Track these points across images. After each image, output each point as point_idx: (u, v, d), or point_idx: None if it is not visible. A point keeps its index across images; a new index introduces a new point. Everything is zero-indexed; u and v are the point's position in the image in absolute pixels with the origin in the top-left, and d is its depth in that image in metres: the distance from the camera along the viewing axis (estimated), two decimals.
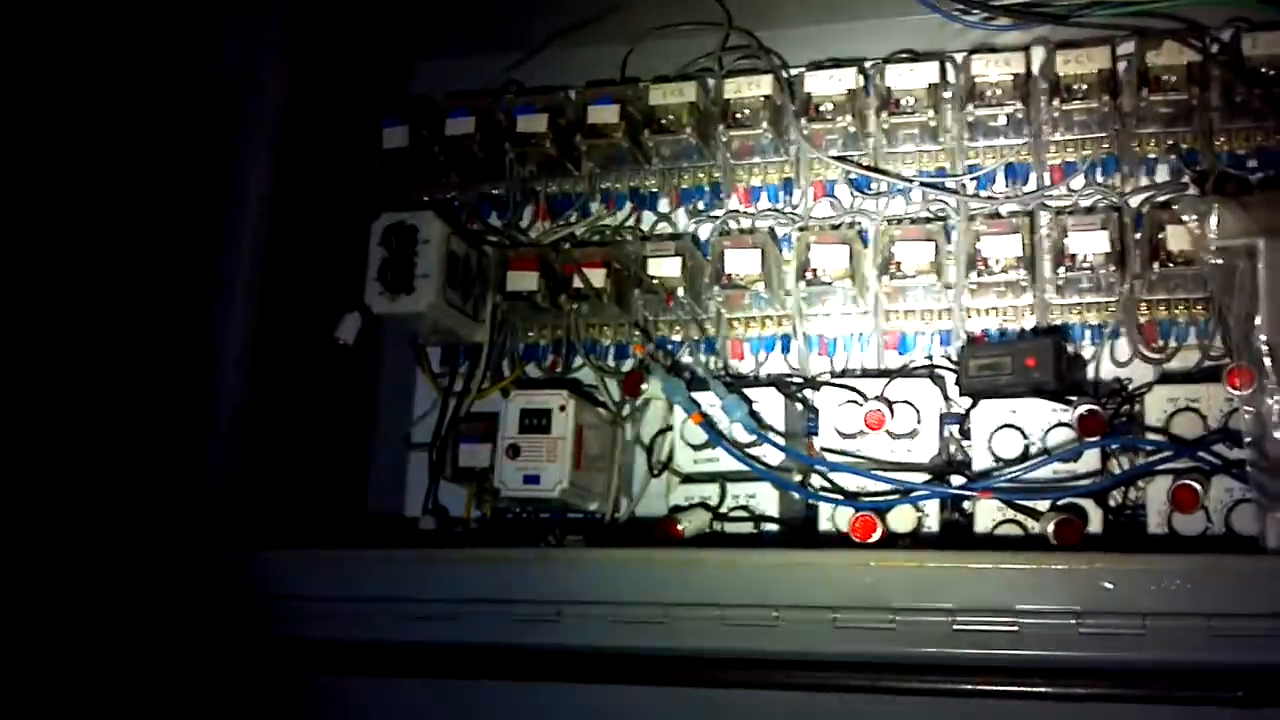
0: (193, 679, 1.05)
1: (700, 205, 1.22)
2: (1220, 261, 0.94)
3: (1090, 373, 1.11)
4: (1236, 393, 0.93)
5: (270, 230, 1.15)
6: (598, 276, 1.16)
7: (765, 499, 1.08)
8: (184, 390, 1.13)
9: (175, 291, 1.19)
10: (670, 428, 1.14)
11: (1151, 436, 1.01)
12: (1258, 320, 0.91)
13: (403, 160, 1.23)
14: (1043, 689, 0.90)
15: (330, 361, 1.17)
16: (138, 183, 1.21)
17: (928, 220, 1.14)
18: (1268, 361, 0.91)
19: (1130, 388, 1.09)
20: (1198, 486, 0.95)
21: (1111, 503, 1.03)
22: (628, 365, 1.20)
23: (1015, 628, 0.89)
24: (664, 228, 1.23)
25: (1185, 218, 0.95)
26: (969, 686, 0.91)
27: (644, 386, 1.12)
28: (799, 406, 1.13)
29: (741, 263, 1.12)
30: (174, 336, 1.17)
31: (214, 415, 1.10)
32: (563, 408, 1.12)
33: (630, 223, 1.24)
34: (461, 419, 1.20)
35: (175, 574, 1.06)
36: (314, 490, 1.20)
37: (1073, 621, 0.88)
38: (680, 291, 1.14)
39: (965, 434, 1.06)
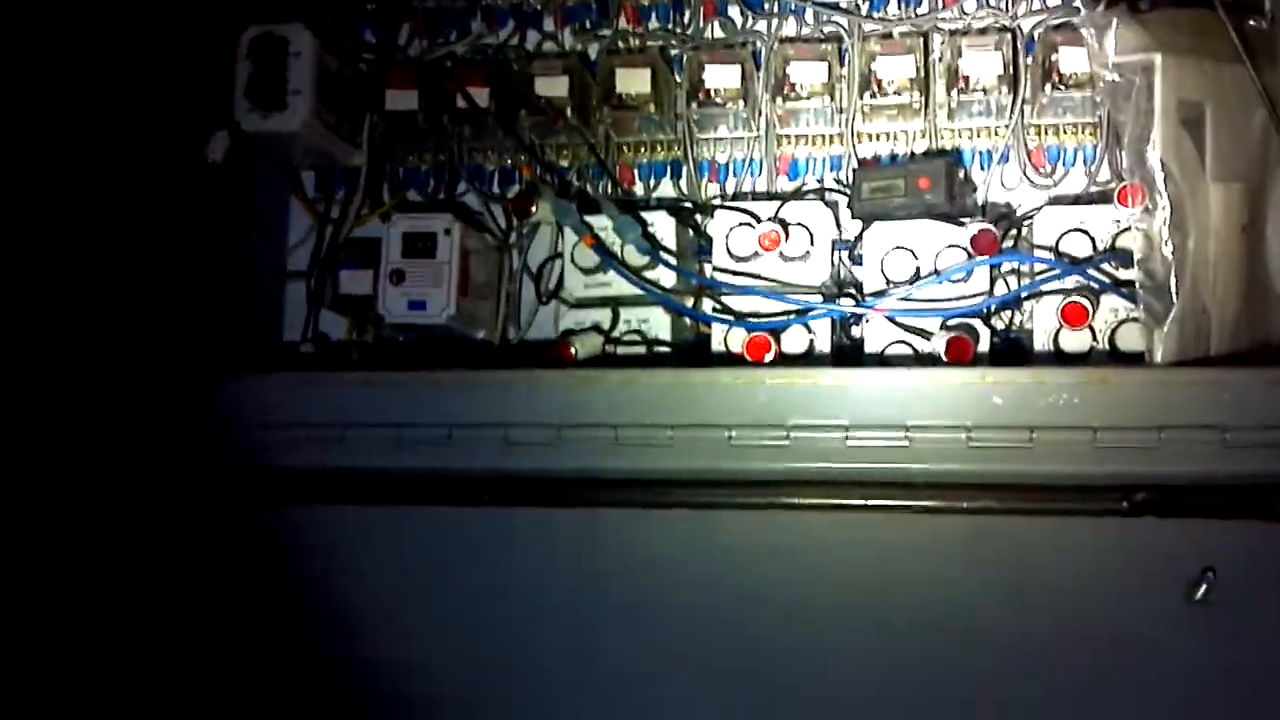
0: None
1: (587, 24, 1.17)
2: (1117, 79, 0.93)
3: (980, 198, 1.11)
4: (1127, 211, 0.94)
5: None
6: (481, 96, 1.11)
7: (658, 323, 1.06)
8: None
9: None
10: (559, 254, 1.11)
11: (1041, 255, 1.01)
12: (1151, 139, 0.92)
13: None
14: (933, 502, 0.91)
15: (203, 184, 1.10)
16: None
17: (821, 41, 1.11)
18: (1159, 180, 0.92)
19: (1020, 211, 1.09)
20: (1086, 303, 0.96)
21: (999, 324, 1.04)
22: (514, 191, 1.16)
23: (907, 442, 0.90)
24: (549, 47, 1.18)
25: (1084, 32, 0.94)
26: (862, 501, 0.92)
27: (533, 209, 1.09)
28: (690, 232, 1.11)
29: (632, 82, 1.09)
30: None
31: None
32: (448, 231, 1.08)
33: (514, 42, 1.18)
34: (340, 245, 1.15)
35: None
36: (190, 317, 1.14)
37: (963, 436, 0.89)
38: (568, 112, 1.10)
39: (857, 258, 1.06)
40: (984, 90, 1.05)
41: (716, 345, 1.05)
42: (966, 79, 1.05)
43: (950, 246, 1.01)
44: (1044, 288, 1.00)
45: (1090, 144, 1.09)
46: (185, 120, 1.11)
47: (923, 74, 1.06)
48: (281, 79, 1.07)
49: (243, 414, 0.98)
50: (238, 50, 1.08)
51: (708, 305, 1.08)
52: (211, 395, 0.99)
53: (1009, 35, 1.06)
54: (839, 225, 1.09)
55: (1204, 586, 0.88)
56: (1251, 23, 0.97)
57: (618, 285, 1.05)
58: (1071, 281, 1.00)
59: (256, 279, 1.21)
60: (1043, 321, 1.01)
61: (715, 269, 1.06)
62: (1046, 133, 1.09)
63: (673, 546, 0.96)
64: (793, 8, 1.13)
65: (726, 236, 1.05)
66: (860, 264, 1.05)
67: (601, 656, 0.97)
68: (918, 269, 1.02)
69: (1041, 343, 1.01)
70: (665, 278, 1.05)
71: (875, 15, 1.12)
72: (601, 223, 1.05)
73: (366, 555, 0.98)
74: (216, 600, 1.01)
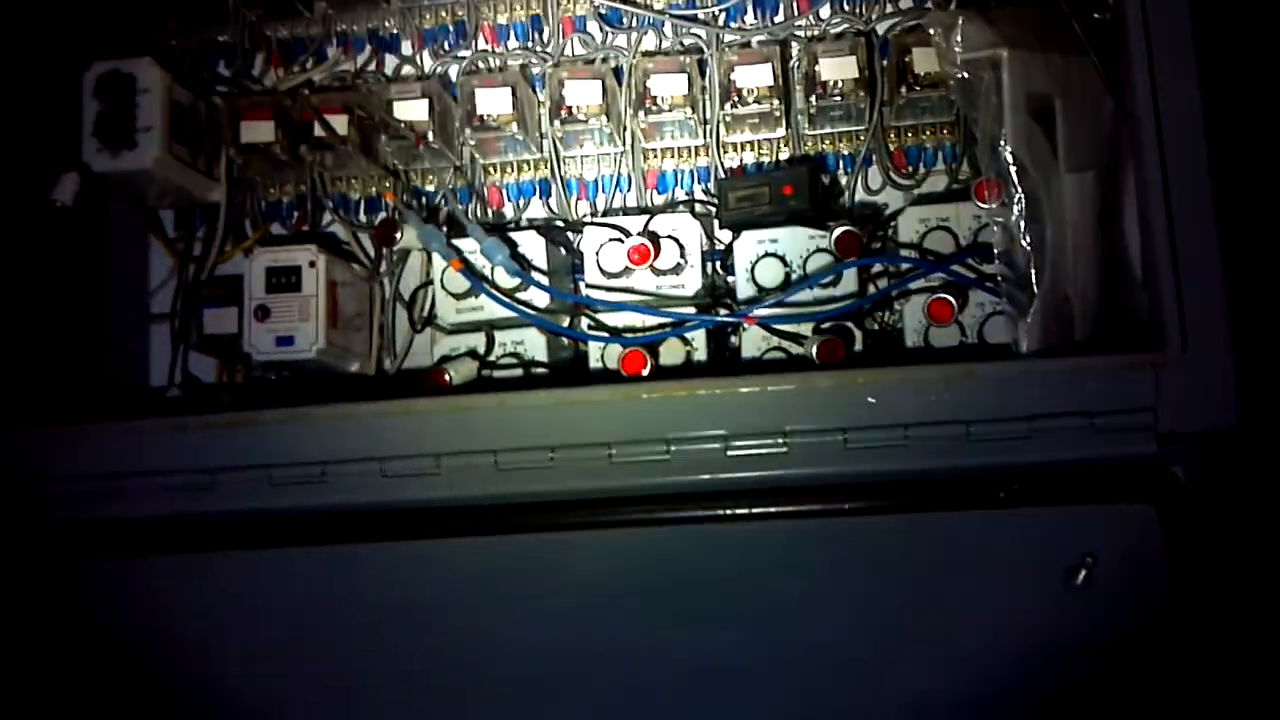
0: None
1: (446, 46, 1.16)
2: (966, 75, 0.95)
3: (845, 202, 1.12)
4: (985, 207, 0.96)
5: None
6: (340, 123, 1.09)
7: (533, 344, 1.05)
8: None
9: None
10: (430, 281, 1.10)
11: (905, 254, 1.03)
12: (1003, 133, 0.93)
13: (112, 4, 1.12)
14: (815, 506, 0.92)
15: (53, 228, 1.06)
16: None
17: (681, 53, 1.11)
18: (1014, 173, 0.93)
19: (886, 212, 1.10)
20: (951, 299, 0.98)
21: (872, 326, 1.05)
22: (380, 219, 1.14)
23: (785, 448, 0.90)
24: (408, 71, 1.17)
25: (931, 31, 0.95)
26: (745, 510, 0.92)
27: (398, 235, 1.07)
28: (561, 250, 1.10)
29: (493, 102, 1.08)
30: None
31: None
32: (312, 263, 1.06)
33: (372, 67, 1.17)
34: (203, 284, 1.12)
35: None
36: (50, 368, 1.10)
37: (840, 438, 0.90)
38: (430, 135, 1.08)
39: (728, 267, 1.06)
40: (842, 95, 1.06)
41: (594, 363, 1.04)
42: (825, 85, 1.06)
43: (818, 250, 1.02)
44: (911, 286, 1.02)
45: (949, 143, 1.10)
46: (32, 162, 1.07)
47: (782, 82, 1.07)
48: (130, 116, 1.04)
49: (124, 465, 0.95)
50: (83, 88, 1.05)
51: (585, 324, 1.07)
52: (93, 448, 0.95)
53: (863, 39, 1.07)
54: (709, 236, 1.09)
55: (1083, 572, 0.89)
56: (1095, 15, 0.99)
57: (490, 309, 1.04)
58: (937, 279, 1.01)
59: (118, 323, 1.18)
60: (912, 319, 1.03)
61: (588, 285, 1.05)
62: (906, 134, 1.11)
63: (562, 567, 0.95)
64: (650, 21, 1.13)
65: (597, 253, 1.05)
66: (732, 273, 1.05)
67: (495, 686, 0.95)
68: (788, 275, 1.02)
69: (913, 341, 1.03)
70: (538, 298, 1.04)
71: (732, 25, 1.13)
72: (470, 246, 1.04)
73: (242, 600, 0.95)
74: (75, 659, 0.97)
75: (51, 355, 1.11)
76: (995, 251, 0.96)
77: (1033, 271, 0.93)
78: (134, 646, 0.96)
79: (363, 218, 1.16)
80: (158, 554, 0.94)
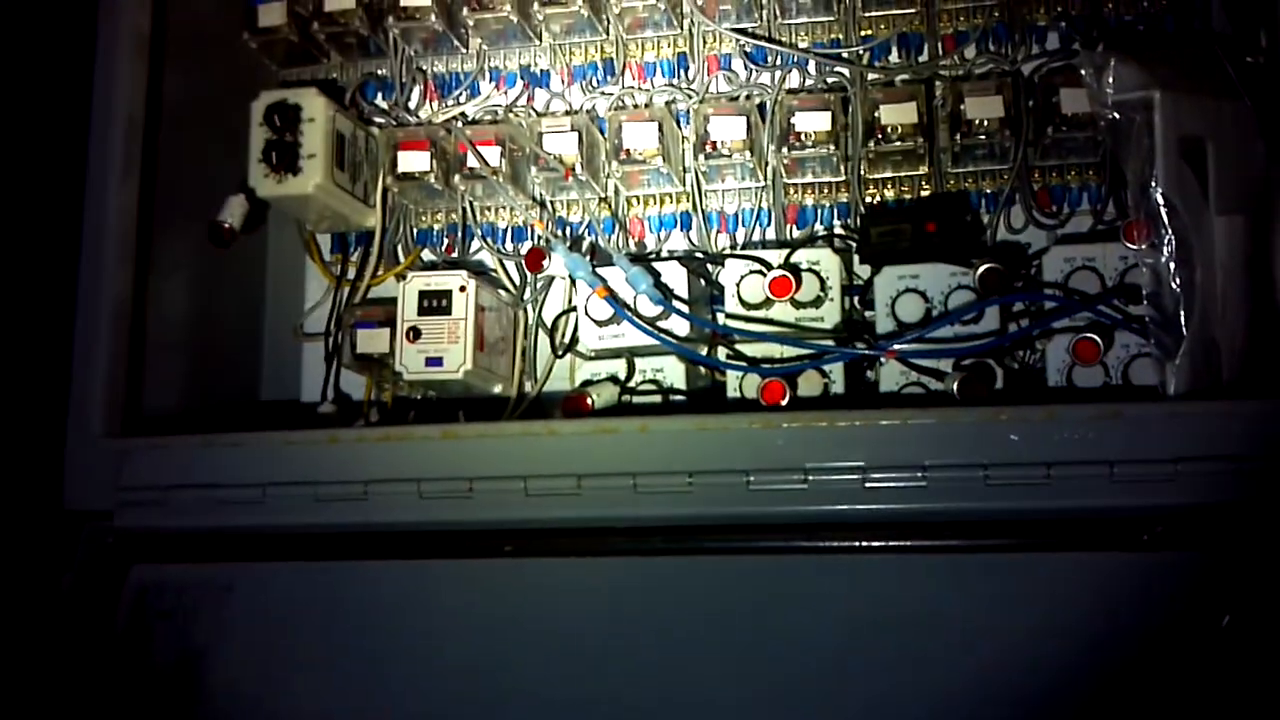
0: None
1: (594, 82, 1.19)
2: (1117, 116, 0.95)
3: (987, 241, 1.12)
4: (1134, 248, 0.95)
5: (147, 116, 1.09)
6: (492, 154, 1.13)
7: (672, 372, 1.07)
8: (57, 288, 1.08)
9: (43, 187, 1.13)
10: (573, 308, 1.13)
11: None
12: (1154, 175, 0.93)
13: (279, 38, 1.18)
14: (953, 542, 0.91)
15: (217, 249, 1.12)
16: None
17: (825, 91, 1.13)
18: (1164, 215, 0.93)
19: (1029, 251, 1.10)
20: (1097, 339, 0.97)
21: (1012, 365, 1.05)
22: (527, 247, 1.17)
23: (925, 482, 0.90)
24: (558, 106, 1.21)
25: (1082, 72, 0.96)
26: (881, 543, 0.92)
27: (545, 262, 1.10)
28: (701, 282, 1.12)
29: (639, 137, 1.11)
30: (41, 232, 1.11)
31: (97, 310, 1.05)
32: (463, 288, 1.09)
33: (523, 101, 1.21)
34: (357, 305, 1.17)
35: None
36: (206, 384, 1.16)
37: (981, 474, 0.90)
38: (578, 167, 1.11)
39: (867, 302, 1.07)
40: (987, 134, 1.06)
41: (732, 393, 1.06)
42: (969, 123, 1.06)
43: (960, 287, 1.02)
44: (1055, 326, 1.01)
45: (1094, 183, 1.10)
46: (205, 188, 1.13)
47: (926, 120, 1.08)
48: (295, 144, 1.09)
49: (249, 475, 0.99)
50: (251, 117, 1.10)
51: (722, 354, 1.09)
52: (248, 458, 1.00)
53: (1009, 79, 1.08)
54: (849, 270, 1.10)
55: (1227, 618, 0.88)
56: (1248, 59, 0.98)
57: (632, 336, 1.06)
58: (1082, 319, 1.00)
59: (274, 340, 1.23)
60: (1055, 360, 1.02)
61: (728, 316, 1.07)
62: (1051, 174, 1.11)
63: (701, 594, 0.95)
64: (795, 59, 1.15)
65: (738, 284, 1.06)
66: (871, 308, 1.06)
67: (629, 700, 0.95)
68: (928, 310, 1.03)
69: (1055, 380, 1.02)
70: (679, 327, 1.06)
71: (877, 64, 1.14)
72: (614, 274, 1.07)
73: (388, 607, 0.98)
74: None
75: (208, 370, 1.17)
76: (1144, 293, 0.95)
77: (1181, 313, 0.92)
78: (280, 651, 0.99)
79: (509, 246, 1.19)
80: (317, 560, 0.97)
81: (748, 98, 1.14)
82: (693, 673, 0.93)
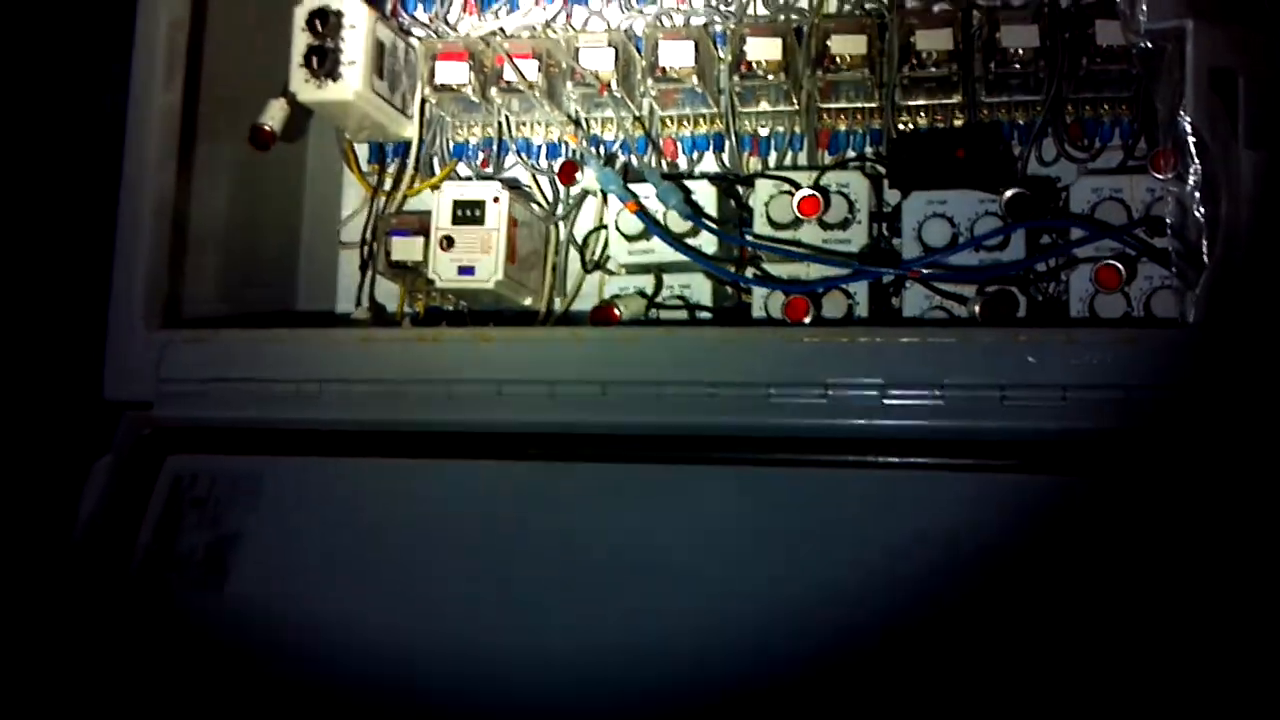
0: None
1: (634, 1, 1.20)
2: (1149, 45, 0.95)
3: (1017, 173, 1.13)
4: (1161, 178, 0.96)
5: (192, 18, 1.11)
6: (529, 69, 1.14)
7: (699, 289, 1.09)
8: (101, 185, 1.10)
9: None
10: (604, 226, 1.15)
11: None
12: (1183, 104, 0.93)
13: None
14: (968, 460, 0.93)
15: (257, 151, 1.14)
16: None
17: (862, 15, 1.13)
18: (1192, 145, 0.93)
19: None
20: (1119, 265, 0.98)
21: (1037, 295, 1.06)
22: (560, 162, 1.19)
23: (943, 401, 0.92)
24: (596, 25, 1.22)
25: (1117, 0, 0.96)
26: (897, 460, 0.94)
27: (578, 176, 1.12)
28: (731, 203, 1.13)
29: (676, 55, 1.11)
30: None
31: (139, 205, 1.08)
32: (496, 199, 1.11)
33: (562, 18, 1.22)
34: (392, 214, 1.19)
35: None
36: (243, 290, 1.18)
37: (998, 394, 0.91)
38: (614, 84, 1.13)
39: (895, 229, 1.08)
40: (1021, 64, 1.07)
41: (758, 312, 1.08)
42: (1005, 52, 1.07)
43: (988, 214, 1.03)
44: (1079, 254, 1.02)
45: (1127, 119, 1.10)
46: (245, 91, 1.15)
47: (961, 47, 1.08)
48: (336, 50, 1.11)
49: (290, 371, 1.02)
50: (293, 21, 1.12)
51: (749, 273, 1.10)
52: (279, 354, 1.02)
53: (1045, 9, 1.08)
54: (878, 195, 1.11)
55: None
56: None
57: (661, 252, 1.08)
58: (1106, 249, 1.01)
59: (310, 249, 1.25)
60: (1078, 289, 1.03)
61: (756, 236, 1.08)
62: (1084, 107, 1.11)
63: (711, 502, 0.97)
64: None
65: (766, 204, 1.08)
66: (899, 236, 1.07)
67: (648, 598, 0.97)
68: (955, 236, 1.04)
69: (1077, 310, 1.03)
70: (707, 245, 1.08)
71: None
72: (645, 191, 1.08)
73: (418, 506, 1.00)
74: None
75: (246, 275, 1.19)
76: (1167, 224, 0.96)
77: (1205, 245, 0.93)
78: (308, 540, 1.02)
79: (543, 162, 1.20)
80: (349, 456, 1.00)
81: (785, 20, 1.15)
82: (708, 576, 0.94)
